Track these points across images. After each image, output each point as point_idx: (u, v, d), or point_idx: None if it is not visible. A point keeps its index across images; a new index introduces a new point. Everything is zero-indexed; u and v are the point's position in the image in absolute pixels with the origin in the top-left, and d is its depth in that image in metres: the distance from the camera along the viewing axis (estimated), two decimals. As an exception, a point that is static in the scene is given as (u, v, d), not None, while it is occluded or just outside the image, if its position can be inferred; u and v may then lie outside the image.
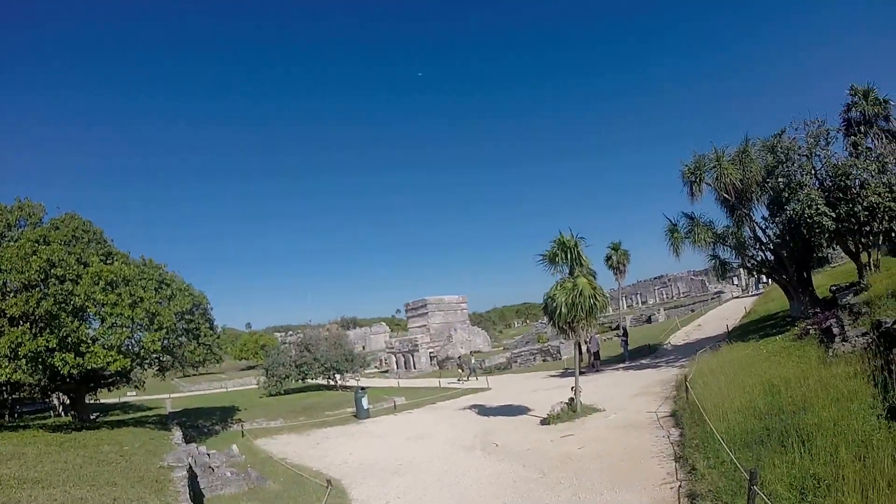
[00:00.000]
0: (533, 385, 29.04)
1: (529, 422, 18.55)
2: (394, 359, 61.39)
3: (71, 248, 20.01)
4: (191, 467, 14.20)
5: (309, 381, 46.71)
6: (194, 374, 79.58)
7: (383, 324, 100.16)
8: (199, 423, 28.10)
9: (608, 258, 49.19)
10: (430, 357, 57.93)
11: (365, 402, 25.91)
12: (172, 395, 54.04)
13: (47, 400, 33.49)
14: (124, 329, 18.13)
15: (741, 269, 34.33)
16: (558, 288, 16.79)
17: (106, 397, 46.08)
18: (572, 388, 17.70)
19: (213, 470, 15.13)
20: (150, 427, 22.75)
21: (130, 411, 38.03)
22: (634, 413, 16.29)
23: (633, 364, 29.36)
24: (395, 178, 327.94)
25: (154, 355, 20.83)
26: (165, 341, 20.95)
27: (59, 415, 31.66)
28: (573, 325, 16.62)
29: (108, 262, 20.77)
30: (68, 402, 34.48)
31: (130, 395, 52.34)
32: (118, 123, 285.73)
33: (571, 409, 17.27)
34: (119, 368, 18.42)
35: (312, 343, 44.70)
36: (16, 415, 27.47)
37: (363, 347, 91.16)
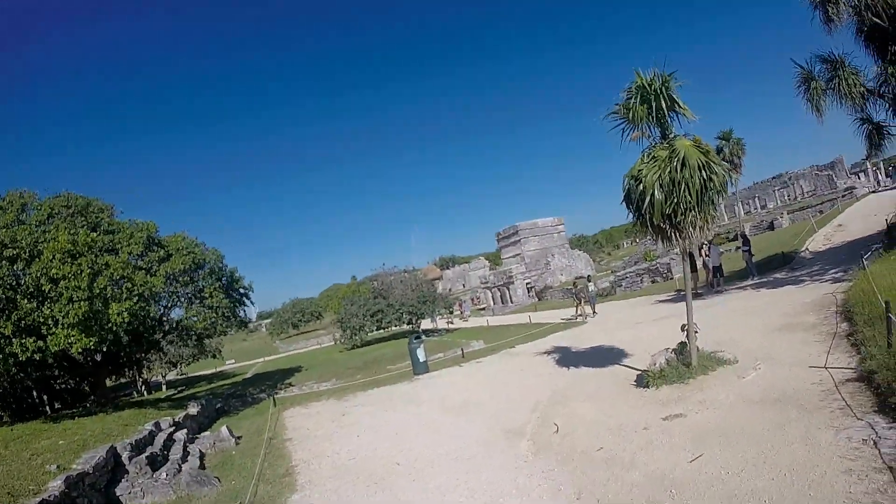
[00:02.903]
0: (637, 315, 22.54)
1: (620, 378, 12.13)
2: (489, 294, 55.83)
3: (47, 226, 18.03)
4: (122, 466, 11.09)
5: (394, 328, 42.90)
6: (295, 334, 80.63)
7: (482, 259, 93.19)
8: (249, 391, 25.42)
9: (718, 151, 40.73)
10: (528, 288, 51.76)
11: (421, 354, 20.70)
12: (268, 358, 54.22)
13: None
14: (82, 303, 14.68)
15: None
16: (645, 160, 10.00)
17: (202, 368, 48.60)
18: (683, 326, 10.92)
19: (151, 468, 11.33)
20: (163, 407, 19.00)
21: (215, 381, 37.45)
22: (787, 368, 9.30)
23: (764, 280, 21.81)
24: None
25: (133, 326, 17.20)
26: (144, 308, 17.26)
27: (142, 394, 32.47)
28: (676, 223, 9.81)
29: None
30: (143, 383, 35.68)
31: (230, 364, 53.62)
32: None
33: (683, 362, 10.61)
34: (85, 347, 15.17)
35: (386, 288, 39.87)
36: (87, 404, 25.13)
37: (463, 286, 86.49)
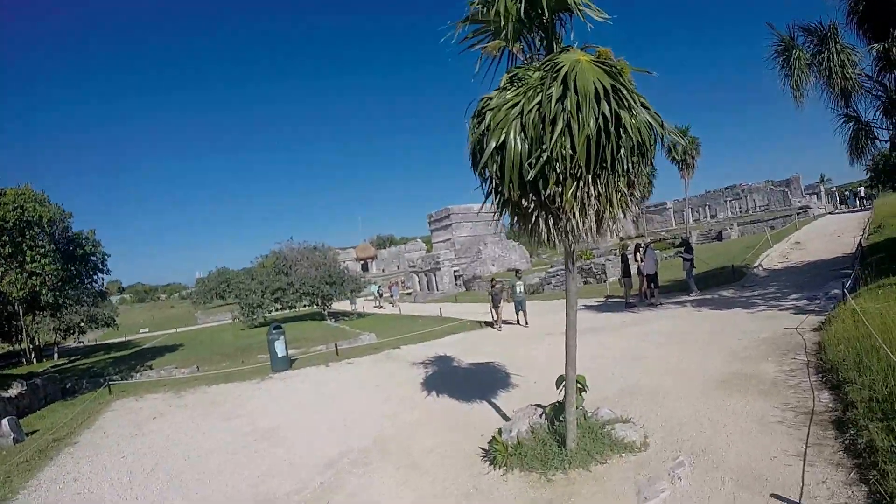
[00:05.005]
0: (550, 323, 18.67)
1: (473, 433, 8.04)
2: (416, 279, 51.86)
3: None
4: None
5: (304, 308, 39.50)
6: (221, 305, 75.51)
7: (419, 241, 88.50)
8: (109, 370, 21.83)
9: (671, 147, 37.36)
10: (455, 276, 47.90)
11: (280, 348, 17.14)
12: (179, 330, 52.24)
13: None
14: None
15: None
16: (504, 87, 5.70)
17: (112, 337, 47.37)
18: (560, 379, 6.78)
19: None
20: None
21: (113, 351, 33.49)
22: (730, 488, 5.13)
23: (707, 297, 18.06)
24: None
25: None
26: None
27: (31, 361, 30.77)
28: (546, 199, 5.57)
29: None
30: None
31: (143, 333, 51.88)
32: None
33: (555, 437, 6.53)
34: None
35: (289, 264, 35.53)
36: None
37: (397, 267, 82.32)
